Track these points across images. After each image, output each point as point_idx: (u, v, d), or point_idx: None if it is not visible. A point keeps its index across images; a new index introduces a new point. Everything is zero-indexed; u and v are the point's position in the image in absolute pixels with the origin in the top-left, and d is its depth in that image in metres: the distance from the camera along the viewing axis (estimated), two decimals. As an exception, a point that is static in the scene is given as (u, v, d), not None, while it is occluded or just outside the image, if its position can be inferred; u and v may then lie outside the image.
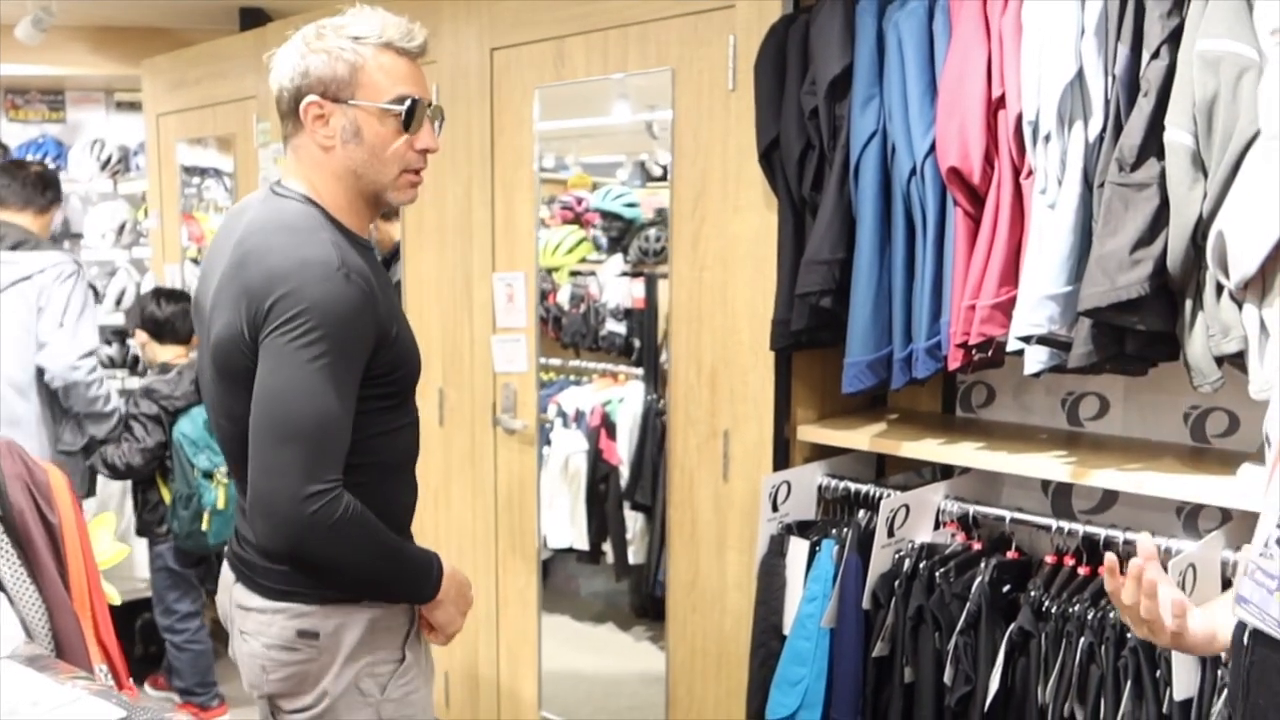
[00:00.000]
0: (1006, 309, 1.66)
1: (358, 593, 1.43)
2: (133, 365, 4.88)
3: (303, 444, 1.28)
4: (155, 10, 4.18)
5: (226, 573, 1.55)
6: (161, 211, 4.02)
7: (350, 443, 1.36)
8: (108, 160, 4.82)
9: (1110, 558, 1.21)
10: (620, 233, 3.47)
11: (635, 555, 3.12)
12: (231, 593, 1.51)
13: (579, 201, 3.51)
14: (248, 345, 1.34)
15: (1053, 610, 1.71)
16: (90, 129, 4.98)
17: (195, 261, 3.91)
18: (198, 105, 3.72)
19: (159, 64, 3.92)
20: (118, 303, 4.83)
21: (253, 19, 4.03)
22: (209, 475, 2.98)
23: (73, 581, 1.17)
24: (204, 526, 2.97)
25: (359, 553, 1.35)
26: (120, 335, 4.87)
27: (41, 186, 3.05)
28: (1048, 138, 1.57)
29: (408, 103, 1.40)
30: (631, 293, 3.34)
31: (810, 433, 2.11)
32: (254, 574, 1.46)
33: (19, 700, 0.89)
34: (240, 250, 1.38)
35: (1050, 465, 1.80)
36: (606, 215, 3.44)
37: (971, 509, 1.93)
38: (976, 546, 1.91)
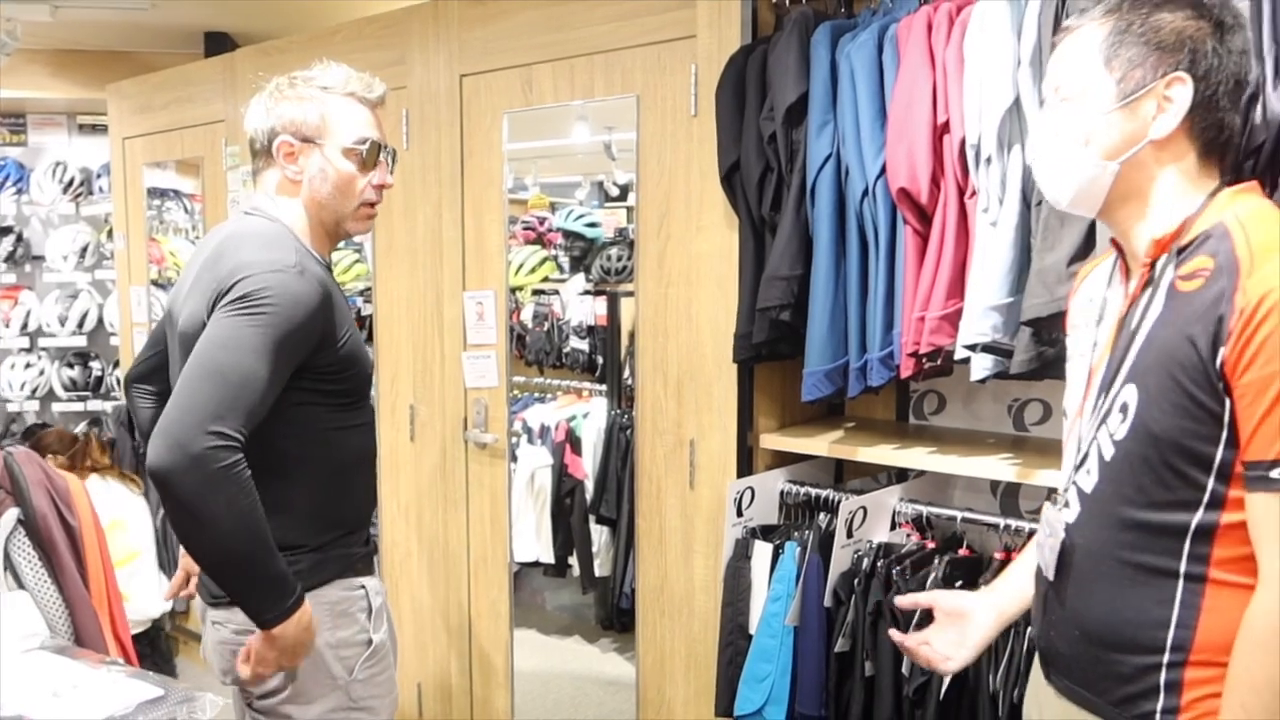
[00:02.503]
0: (954, 320, 1.77)
1: (204, 561, 1.40)
2: (94, 388, 4.86)
3: (221, 388, 1.35)
4: (118, 34, 4.21)
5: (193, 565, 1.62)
6: (128, 234, 4.04)
7: (302, 436, 1.49)
8: (70, 183, 4.81)
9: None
10: (582, 252, 3.56)
11: (601, 568, 3.19)
12: (204, 584, 1.59)
13: (541, 222, 3.60)
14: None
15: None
16: (52, 152, 4.97)
17: (156, 284, 3.93)
18: (164, 129, 3.75)
19: (124, 88, 3.95)
20: (80, 325, 4.82)
21: (217, 43, 4.09)
22: None
23: (91, 580, 1.23)
24: None
25: (228, 515, 1.33)
26: (82, 358, 4.85)
27: None
28: (989, 160, 1.69)
29: (367, 144, 1.61)
30: (594, 310, 3.43)
31: (772, 440, 2.21)
32: None
33: (60, 684, 0.94)
34: (214, 254, 1.53)
35: (997, 467, 1.91)
36: (569, 235, 3.53)
37: (925, 510, 2.04)
38: (931, 545, 2.02)
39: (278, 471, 1.46)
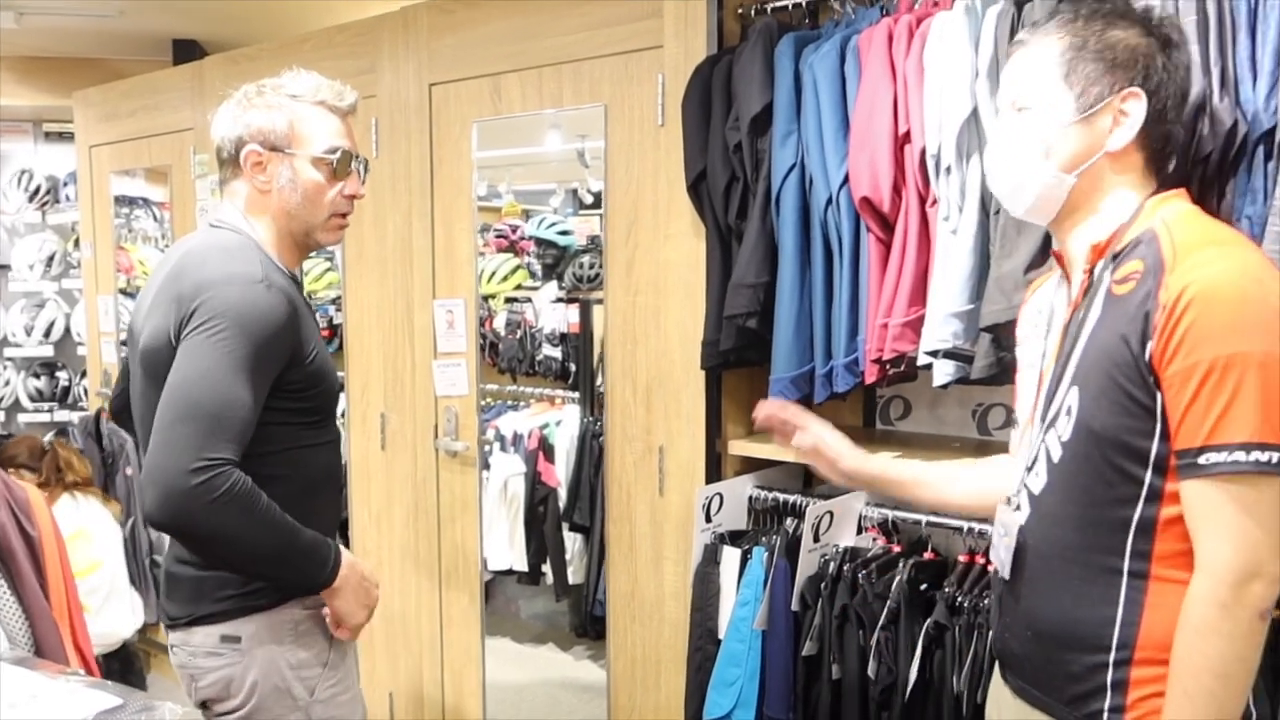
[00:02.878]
0: (916, 326, 1.80)
1: (248, 571, 1.47)
2: (61, 398, 4.81)
3: (199, 422, 1.36)
4: (86, 41, 4.18)
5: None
6: (95, 243, 4.01)
7: (269, 455, 1.46)
8: (36, 191, 4.77)
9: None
10: (555, 260, 3.57)
11: (574, 575, 3.19)
12: (161, 607, 1.59)
13: (514, 229, 3.61)
14: (171, 348, 1.44)
15: (965, 605, 1.84)
16: (18, 159, 4.93)
17: (124, 292, 3.90)
18: (132, 137, 3.73)
19: (91, 96, 3.92)
20: (46, 334, 4.77)
21: (186, 51, 4.07)
22: None
23: (52, 592, 1.22)
24: None
25: (245, 529, 1.37)
26: (49, 368, 4.80)
27: None
28: (949, 169, 1.72)
29: (338, 153, 1.58)
30: (567, 318, 3.44)
31: (740, 447, 2.23)
32: (179, 587, 1.54)
33: (18, 695, 0.94)
34: (176, 269, 1.50)
35: (961, 471, 1.94)
36: (541, 243, 3.54)
37: (890, 514, 2.06)
38: (896, 549, 2.04)
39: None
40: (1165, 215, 1.21)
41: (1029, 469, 1.31)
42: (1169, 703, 1.14)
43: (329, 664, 1.57)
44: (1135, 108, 1.22)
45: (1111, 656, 1.19)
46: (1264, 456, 1.08)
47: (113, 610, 2.95)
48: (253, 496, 1.38)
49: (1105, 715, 1.20)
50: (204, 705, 1.54)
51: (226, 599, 1.50)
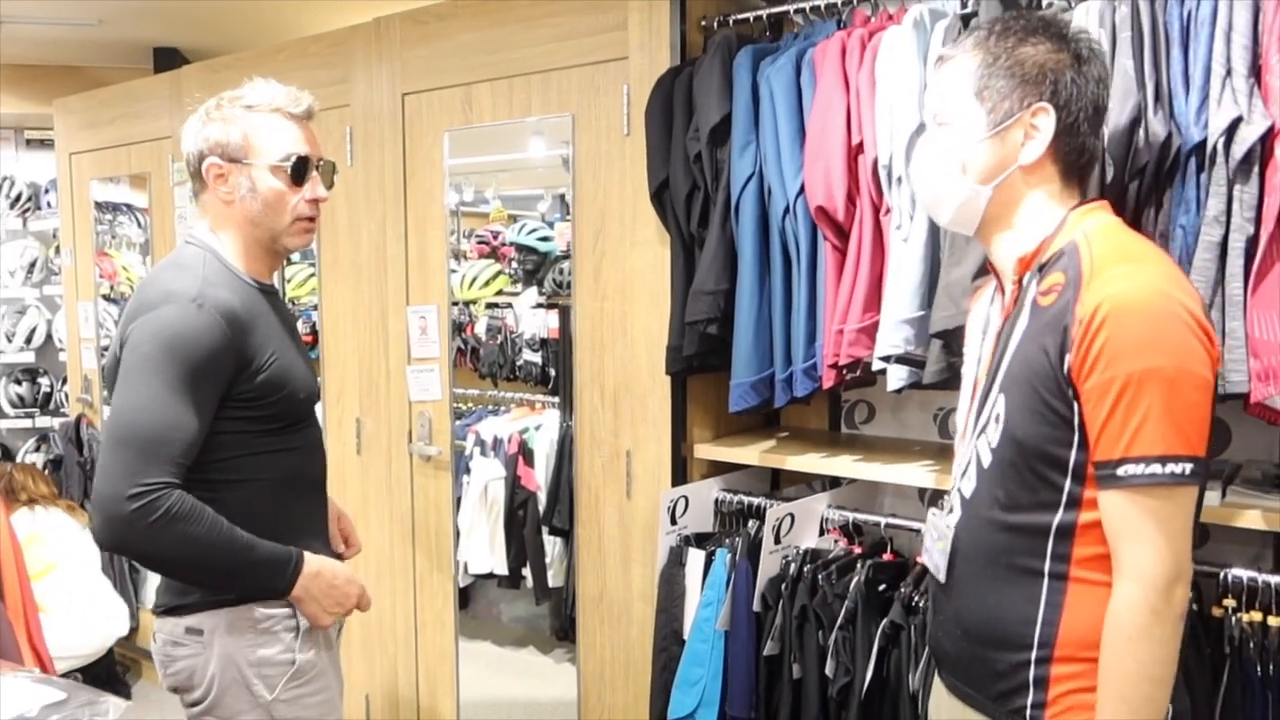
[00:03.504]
0: (871, 332, 1.85)
1: (202, 583, 1.53)
2: (43, 404, 4.83)
3: (131, 448, 1.41)
4: (67, 50, 4.20)
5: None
6: (75, 249, 4.03)
7: (222, 461, 1.51)
8: (17, 198, 4.78)
9: None
10: (536, 266, 3.60)
11: (555, 579, 3.22)
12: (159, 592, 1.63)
13: (495, 235, 3.64)
14: (118, 365, 1.50)
15: (921, 605, 1.89)
16: (-1, 167, 4.94)
17: (107, 298, 3.92)
18: (112, 145, 3.76)
19: (71, 104, 3.95)
20: (28, 341, 4.78)
21: (167, 59, 4.10)
22: None
23: (7, 593, 1.26)
24: None
25: (187, 548, 1.42)
26: (30, 374, 4.81)
27: None
28: (899, 179, 1.77)
29: (293, 160, 1.60)
30: (547, 323, 3.47)
31: (706, 450, 2.27)
32: (161, 578, 1.59)
33: (-33, 690, 0.98)
34: (137, 288, 1.56)
35: (919, 474, 1.98)
36: (522, 249, 3.57)
37: (851, 516, 2.11)
38: (857, 550, 2.08)
39: (206, 491, 1.48)
40: (1087, 228, 1.25)
41: (962, 474, 1.35)
42: (1103, 707, 1.17)
43: (296, 664, 1.59)
44: (1045, 122, 1.26)
45: (1033, 654, 1.24)
46: (1178, 468, 1.13)
47: (80, 615, 2.98)
48: (192, 516, 1.42)
49: (1029, 711, 1.24)
50: (175, 691, 1.59)
51: (193, 592, 1.54)
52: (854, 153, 1.83)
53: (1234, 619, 1.61)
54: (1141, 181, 1.52)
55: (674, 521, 2.21)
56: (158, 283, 1.52)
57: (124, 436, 1.42)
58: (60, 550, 2.85)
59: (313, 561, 1.58)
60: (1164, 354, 1.13)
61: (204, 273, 1.54)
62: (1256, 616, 1.61)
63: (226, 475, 1.51)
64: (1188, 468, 1.13)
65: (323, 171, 1.66)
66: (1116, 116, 1.49)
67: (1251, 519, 1.59)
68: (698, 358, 2.12)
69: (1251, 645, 1.59)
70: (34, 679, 1.08)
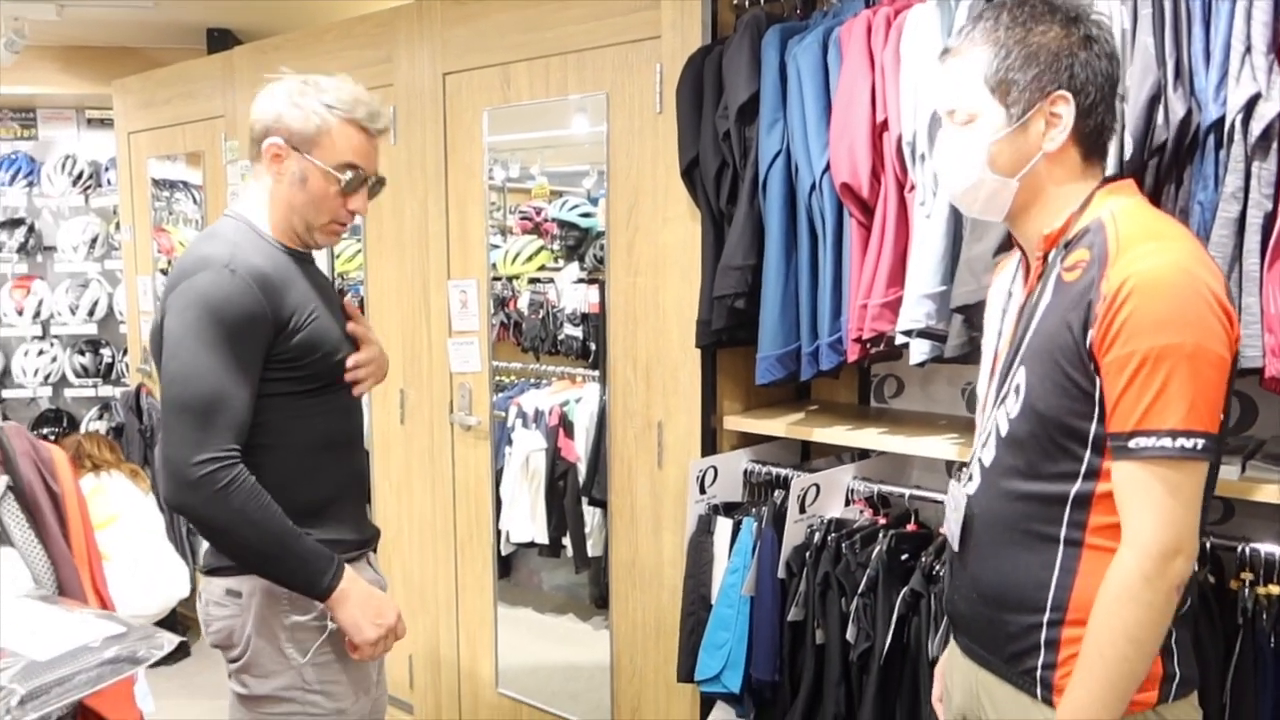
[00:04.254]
0: (894, 307, 1.88)
1: (245, 564, 1.58)
2: (105, 374, 5.02)
3: (190, 414, 1.49)
4: (124, 31, 4.34)
5: None
6: (134, 225, 4.18)
7: (264, 424, 1.57)
8: (79, 176, 4.96)
9: None
10: (577, 241, 3.66)
11: (594, 548, 3.30)
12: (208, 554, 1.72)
13: (538, 212, 3.71)
14: (160, 331, 1.58)
15: (941, 573, 1.93)
16: (62, 145, 5.12)
17: (164, 272, 4.07)
18: (168, 124, 3.89)
19: (129, 84, 4.08)
20: (90, 313, 4.97)
21: (219, 40, 4.21)
22: None
23: (73, 541, 1.37)
24: None
25: (242, 521, 1.49)
26: (93, 345, 5.01)
27: None
28: (923, 156, 1.79)
29: (349, 174, 1.65)
30: (587, 298, 3.53)
31: (735, 422, 2.32)
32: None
33: (40, 623, 1.09)
34: (176, 259, 1.61)
35: (944, 446, 2.01)
36: (563, 225, 3.63)
37: (876, 488, 2.15)
38: (881, 521, 2.13)
39: (250, 456, 1.54)
40: (1113, 206, 1.27)
41: (983, 444, 1.39)
42: (1082, 659, 1.22)
43: (328, 631, 1.63)
44: (1065, 109, 1.27)
45: (1045, 617, 1.28)
46: (1189, 443, 1.16)
47: (145, 577, 3.15)
48: (254, 495, 1.50)
49: (1039, 671, 1.29)
50: (216, 647, 1.68)
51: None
52: (878, 130, 1.86)
53: (1249, 592, 1.63)
54: (1161, 158, 1.53)
55: (703, 491, 2.27)
56: (194, 252, 1.59)
57: (182, 404, 1.49)
58: (122, 503, 3.06)
59: (349, 573, 1.61)
60: (1184, 331, 1.15)
61: (235, 239, 1.61)
62: (1274, 590, 1.63)
63: (269, 438, 1.58)
64: (1199, 443, 1.16)
65: (371, 188, 1.70)
66: (1135, 94, 1.50)
67: (1270, 493, 1.61)
68: (726, 331, 2.16)
69: (1265, 617, 1.62)
70: (96, 614, 1.19)
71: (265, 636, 1.61)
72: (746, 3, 2.21)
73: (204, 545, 1.67)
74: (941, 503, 2.07)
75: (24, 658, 1.01)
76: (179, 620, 3.78)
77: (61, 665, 1.01)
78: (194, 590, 3.65)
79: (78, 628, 1.11)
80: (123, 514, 2.97)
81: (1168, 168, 1.54)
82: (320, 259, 1.92)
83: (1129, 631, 1.18)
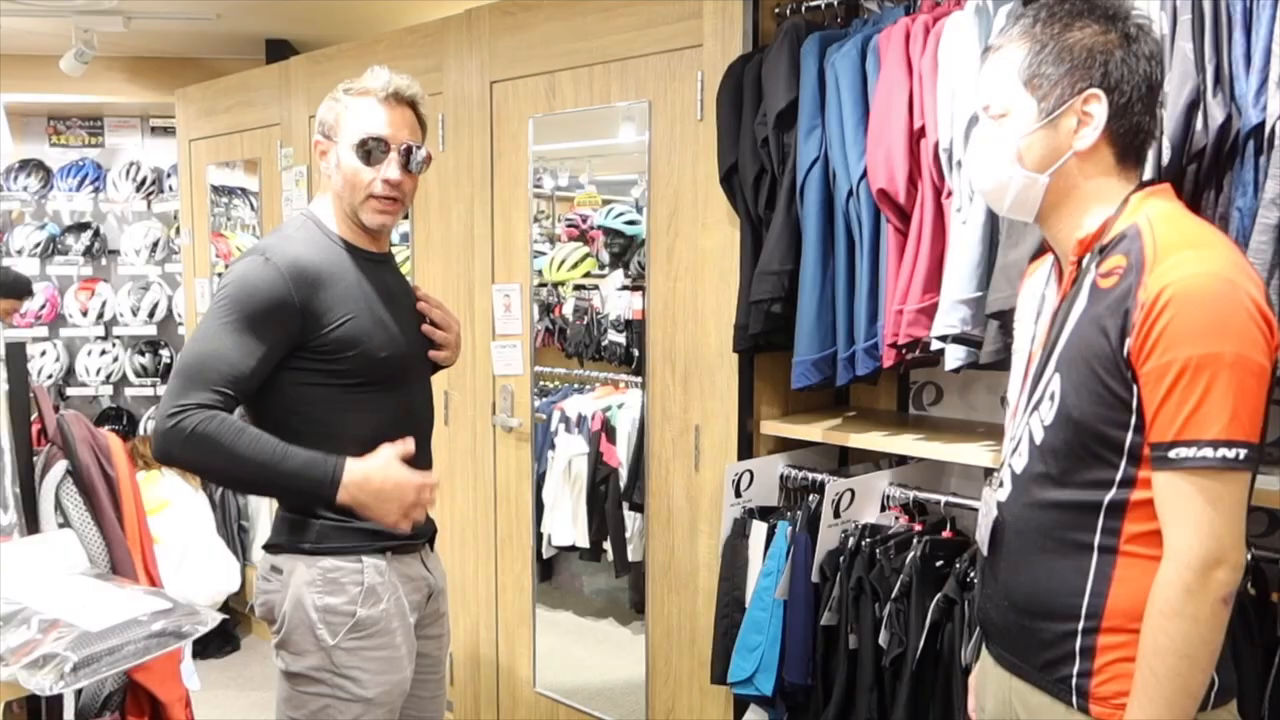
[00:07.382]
0: (930, 313, 1.88)
1: (244, 490, 1.69)
2: (164, 374, 5.17)
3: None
4: (187, 42, 4.49)
5: None
6: (194, 230, 4.31)
7: (311, 413, 1.64)
8: (143, 181, 5.12)
9: None
10: (622, 249, 3.70)
11: (634, 553, 3.32)
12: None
13: (584, 219, 3.76)
14: None
15: (975, 580, 1.92)
16: (127, 152, 5.30)
17: (221, 276, 4.19)
18: (226, 131, 4.01)
19: (191, 93, 4.22)
20: (151, 315, 5.13)
21: (278, 49, 4.33)
22: None
23: (127, 524, 1.43)
24: None
25: (216, 459, 1.53)
26: (153, 345, 5.16)
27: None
28: (960, 163, 1.80)
29: (365, 140, 1.71)
30: (631, 305, 3.56)
31: (772, 427, 2.34)
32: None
33: (93, 598, 1.15)
34: None
35: (980, 453, 2.00)
36: (608, 232, 3.67)
37: (912, 494, 2.15)
38: (917, 527, 2.13)
39: (295, 443, 1.59)
40: (1150, 212, 1.25)
41: (1013, 450, 1.38)
42: (1137, 681, 1.20)
43: (357, 617, 1.67)
44: (1097, 108, 1.26)
45: (1080, 625, 1.26)
46: (1230, 453, 1.14)
47: (195, 571, 3.25)
48: (219, 432, 1.53)
49: (1074, 679, 1.27)
50: (262, 619, 1.76)
51: (281, 535, 1.70)
52: (916, 136, 1.87)
53: (1289, 604, 1.61)
54: (1200, 164, 1.52)
55: (738, 494, 2.28)
56: (252, 245, 1.68)
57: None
58: (174, 492, 3.18)
59: (355, 470, 1.60)
60: (1224, 340, 1.14)
61: (290, 233, 1.71)
62: (1316, 603, 1.61)
63: (312, 428, 1.64)
64: (1241, 453, 1.14)
65: (402, 154, 1.73)
66: (1174, 99, 1.49)
67: (1311, 504, 1.59)
68: (763, 336, 2.18)
69: (1305, 630, 1.59)
70: (146, 591, 1.24)
71: (299, 615, 1.66)
72: (788, 11, 2.23)
73: (257, 542, 1.75)
74: (977, 510, 2.08)
75: (77, 628, 1.07)
76: (230, 614, 3.89)
77: (112, 636, 1.07)
78: (244, 585, 3.76)
79: (128, 603, 1.17)
80: (174, 502, 3.09)
81: (1207, 173, 1.53)
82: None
83: (1177, 647, 1.17)
